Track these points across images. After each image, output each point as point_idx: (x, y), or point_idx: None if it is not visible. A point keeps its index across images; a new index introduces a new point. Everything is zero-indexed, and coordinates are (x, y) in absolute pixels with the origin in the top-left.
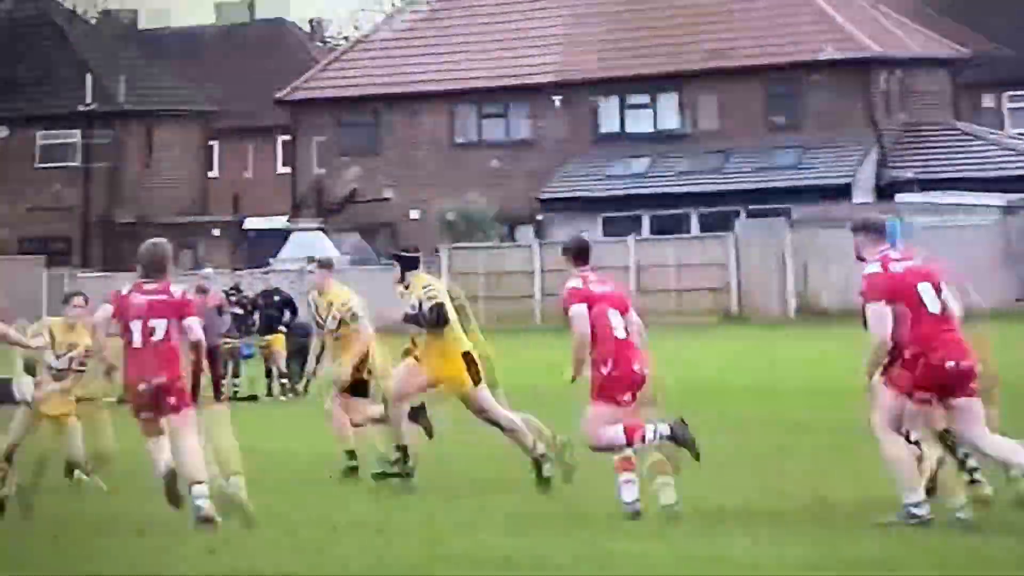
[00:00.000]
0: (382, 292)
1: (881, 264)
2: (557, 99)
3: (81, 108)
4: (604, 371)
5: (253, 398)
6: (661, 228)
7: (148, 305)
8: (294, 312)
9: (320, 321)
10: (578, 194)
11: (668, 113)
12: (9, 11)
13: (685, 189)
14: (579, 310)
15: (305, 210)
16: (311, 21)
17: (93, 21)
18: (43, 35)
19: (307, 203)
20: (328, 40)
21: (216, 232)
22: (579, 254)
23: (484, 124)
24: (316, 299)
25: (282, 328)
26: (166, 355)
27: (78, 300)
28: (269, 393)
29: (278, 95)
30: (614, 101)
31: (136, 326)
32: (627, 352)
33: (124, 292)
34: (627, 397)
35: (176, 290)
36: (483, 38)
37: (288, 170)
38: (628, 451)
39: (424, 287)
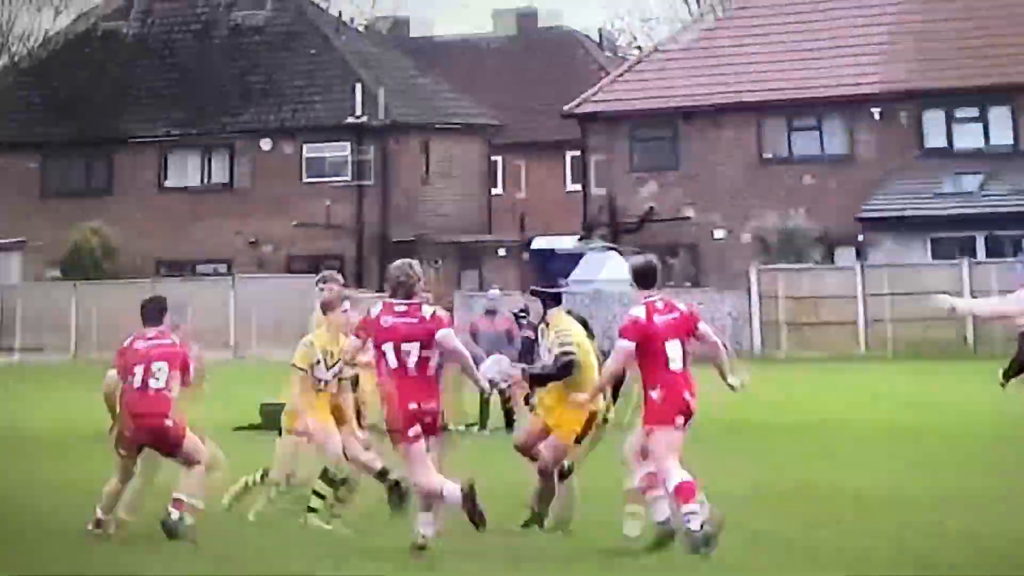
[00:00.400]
0: None
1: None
2: (876, 111)
3: (351, 120)
4: (655, 396)
5: None
6: (997, 252)
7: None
8: (590, 336)
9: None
10: (904, 213)
11: (1000, 127)
12: (270, 18)
13: (1022, 209)
14: (623, 345)
15: (597, 229)
16: (600, 30)
17: (361, 29)
18: (308, 44)
19: (599, 222)
20: (619, 50)
21: (502, 252)
22: (642, 278)
23: (795, 138)
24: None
25: None
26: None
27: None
28: None
29: (566, 108)
30: (940, 114)
31: (389, 349)
32: (678, 380)
33: (373, 314)
34: (680, 420)
35: (427, 311)
36: (793, 46)
37: (578, 187)
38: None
39: (558, 331)
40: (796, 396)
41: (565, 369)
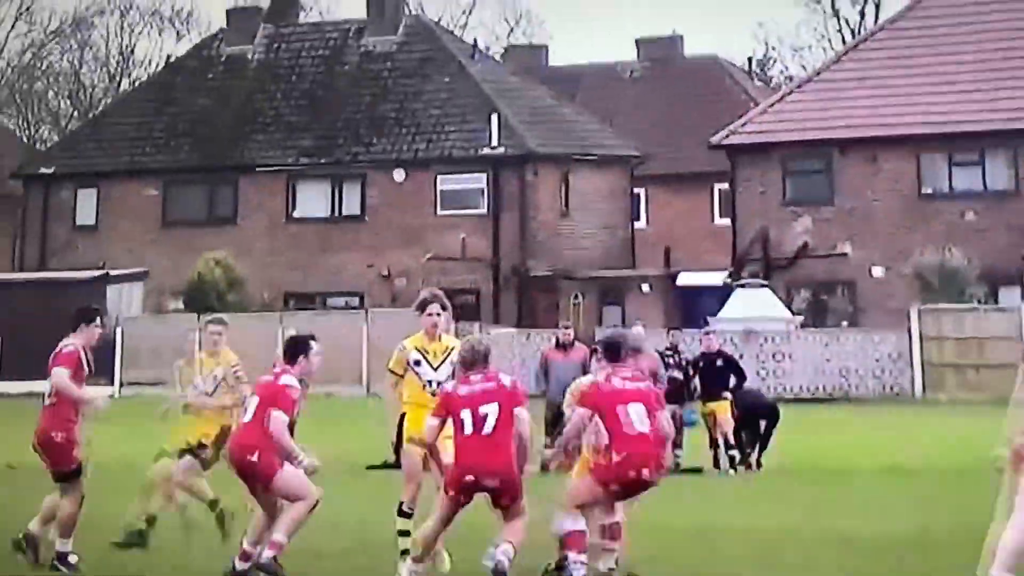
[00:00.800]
0: (840, 355)
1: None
2: None
3: (487, 151)
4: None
5: (697, 470)
6: None
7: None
8: (741, 376)
9: None
10: None
11: None
12: (402, 45)
13: None
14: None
15: (748, 265)
16: (750, 59)
17: (498, 57)
18: (442, 71)
19: (750, 257)
20: (770, 79)
21: (645, 288)
22: (607, 351)
23: (955, 172)
24: None
25: (726, 394)
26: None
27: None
28: (716, 465)
29: (713, 139)
30: None
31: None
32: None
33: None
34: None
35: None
36: (952, 77)
37: (726, 221)
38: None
39: None
40: (958, 440)
41: None
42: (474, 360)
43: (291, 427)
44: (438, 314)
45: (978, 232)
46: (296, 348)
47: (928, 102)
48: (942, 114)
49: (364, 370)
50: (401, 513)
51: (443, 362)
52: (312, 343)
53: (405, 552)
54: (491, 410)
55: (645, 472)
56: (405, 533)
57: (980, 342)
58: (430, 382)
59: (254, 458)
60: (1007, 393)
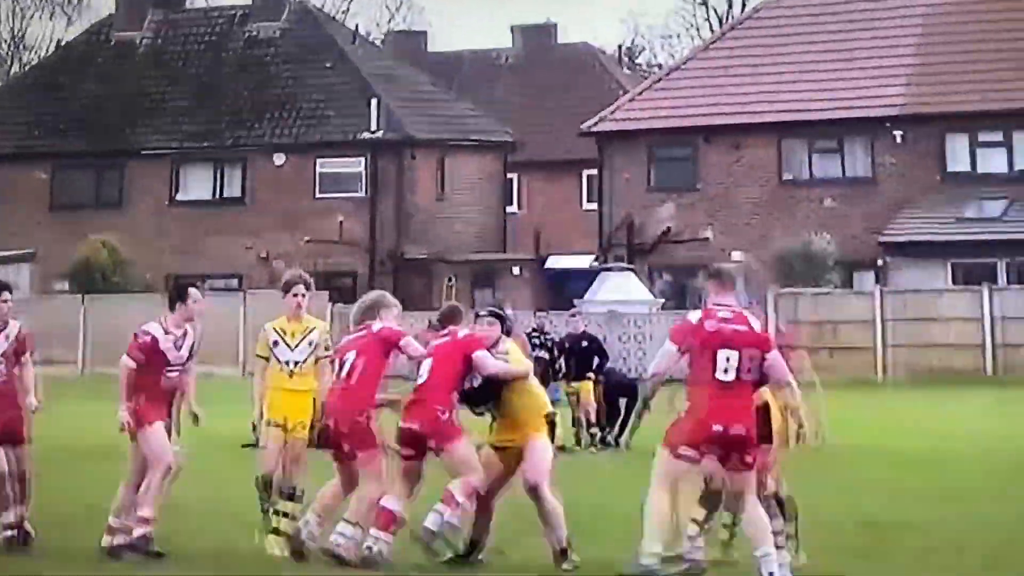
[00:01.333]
0: None
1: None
2: (899, 134)
3: (366, 135)
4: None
5: (560, 448)
6: (1018, 277)
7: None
8: (604, 357)
9: None
10: (925, 237)
11: None
12: (286, 31)
13: None
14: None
15: (614, 249)
16: (620, 47)
17: (378, 43)
18: (324, 57)
19: (616, 242)
20: (639, 67)
21: (516, 271)
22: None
23: (816, 159)
24: None
25: (590, 375)
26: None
27: None
28: (578, 443)
29: (583, 126)
30: (963, 138)
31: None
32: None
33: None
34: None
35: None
36: (815, 66)
37: (594, 206)
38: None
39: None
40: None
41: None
42: (361, 316)
43: (154, 372)
44: (302, 295)
45: (836, 218)
46: (174, 295)
47: (790, 91)
48: (803, 103)
49: (241, 351)
50: (268, 490)
51: (301, 342)
52: (192, 289)
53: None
54: (349, 357)
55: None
56: (276, 511)
57: (835, 325)
58: (287, 362)
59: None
60: (859, 375)
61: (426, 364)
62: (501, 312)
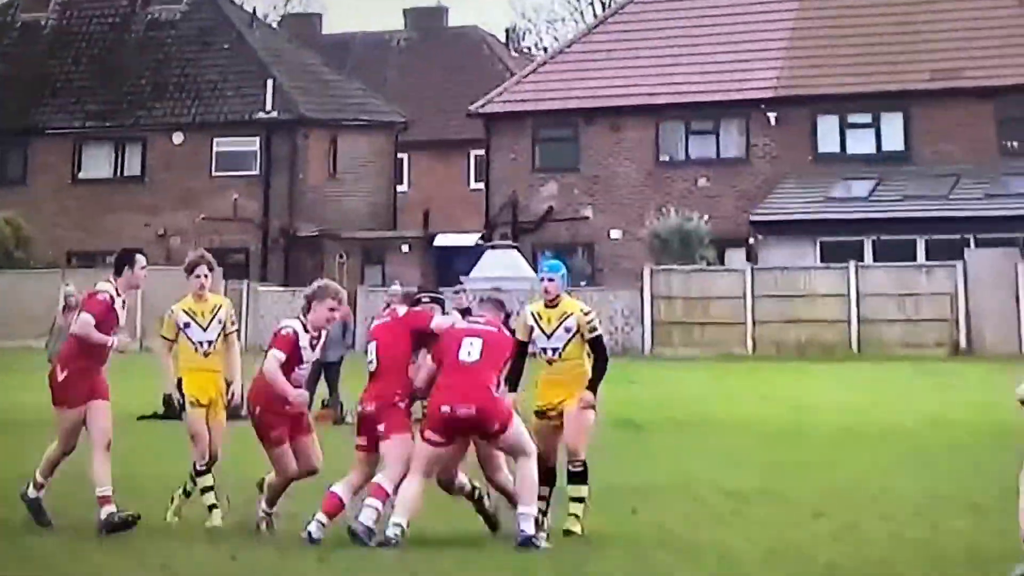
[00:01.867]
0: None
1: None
2: (772, 116)
3: (261, 115)
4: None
5: None
6: (884, 255)
7: None
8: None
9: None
10: (794, 216)
11: (892, 133)
12: (186, 13)
13: (910, 214)
14: None
15: (499, 228)
16: (507, 30)
17: (274, 25)
18: (222, 39)
19: (501, 220)
20: (525, 50)
21: (405, 248)
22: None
23: (692, 140)
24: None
25: None
26: None
27: None
28: None
29: (471, 107)
30: (834, 120)
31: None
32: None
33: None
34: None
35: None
36: (692, 50)
37: (481, 186)
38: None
39: None
40: (682, 395)
41: None
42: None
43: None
44: (205, 275)
45: (710, 197)
46: (121, 260)
47: (668, 73)
48: (681, 85)
49: (138, 325)
50: (199, 473)
51: (212, 321)
52: (138, 256)
53: (213, 506)
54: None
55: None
56: (208, 489)
57: (706, 301)
58: (201, 343)
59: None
60: (729, 349)
61: (372, 347)
62: (439, 295)
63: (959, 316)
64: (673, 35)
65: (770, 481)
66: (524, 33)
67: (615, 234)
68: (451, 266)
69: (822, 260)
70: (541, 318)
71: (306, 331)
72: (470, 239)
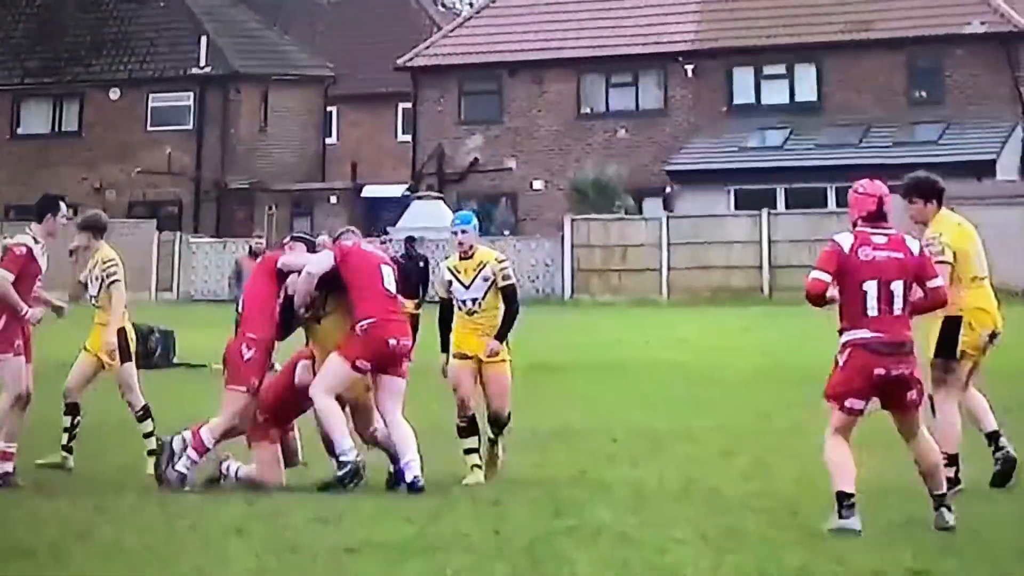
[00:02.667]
0: None
1: None
2: (689, 68)
3: (195, 71)
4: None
5: None
6: (796, 203)
7: None
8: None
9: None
10: (709, 166)
11: (805, 85)
12: None
13: (822, 163)
14: None
15: (425, 179)
16: None
17: None
18: None
19: (427, 172)
20: (451, 6)
21: (333, 199)
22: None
23: (612, 93)
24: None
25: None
26: None
27: None
28: None
29: (398, 61)
30: (749, 71)
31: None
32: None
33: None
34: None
35: None
36: (612, 4)
37: (408, 138)
38: None
39: None
40: (599, 340)
41: None
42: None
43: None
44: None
45: (629, 148)
46: (43, 207)
47: (589, 27)
48: (601, 39)
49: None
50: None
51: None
52: (61, 203)
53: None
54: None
55: None
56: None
57: (624, 249)
58: (90, 297)
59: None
60: (645, 295)
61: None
62: (307, 236)
63: None
64: None
65: (683, 421)
66: None
67: (537, 185)
68: (378, 216)
69: (736, 208)
70: (459, 271)
71: (36, 242)
72: (397, 190)
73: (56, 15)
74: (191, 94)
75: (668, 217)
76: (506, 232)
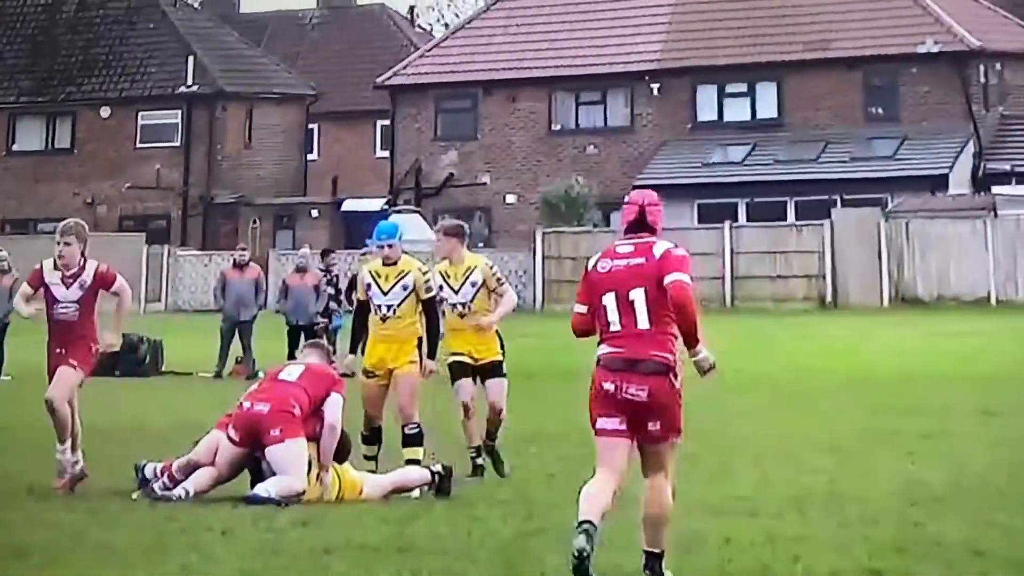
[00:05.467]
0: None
1: None
2: (655, 87)
3: (183, 89)
4: None
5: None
6: (757, 216)
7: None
8: None
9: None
10: (674, 181)
11: (766, 102)
12: None
13: (782, 177)
14: None
15: (402, 193)
16: (411, 8)
17: (196, 5)
18: (147, 18)
19: (405, 186)
20: (428, 27)
21: (315, 213)
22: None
23: (581, 111)
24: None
25: None
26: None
27: None
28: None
29: (378, 80)
30: (712, 89)
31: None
32: None
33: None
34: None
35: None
36: (582, 25)
37: (386, 154)
38: None
39: None
40: (569, 347)
41: None
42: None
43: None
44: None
45: (597, 163)
46: None
47: (561, 47)
48: (572, 59)
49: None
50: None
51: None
52: None
53: None
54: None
55: None
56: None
57: None
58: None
59: None
60: None
61: None
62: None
63: (826, 272)
64: (565, 12)
65: None
66: (429, 10)
67: (510, 199)
68: (358, 230)
69: (700, 221)
70: (379, 276)
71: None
72: (376, 204)
73: (49, 36)
74: (179, 112)
75: None
76: (480, 244)
